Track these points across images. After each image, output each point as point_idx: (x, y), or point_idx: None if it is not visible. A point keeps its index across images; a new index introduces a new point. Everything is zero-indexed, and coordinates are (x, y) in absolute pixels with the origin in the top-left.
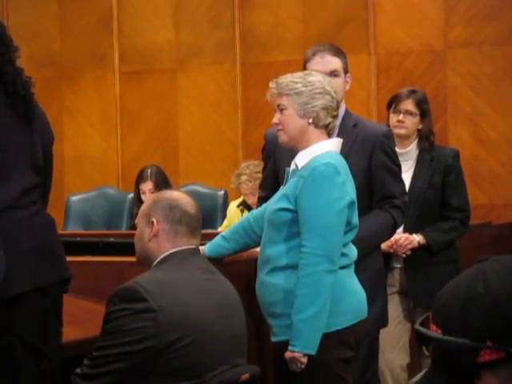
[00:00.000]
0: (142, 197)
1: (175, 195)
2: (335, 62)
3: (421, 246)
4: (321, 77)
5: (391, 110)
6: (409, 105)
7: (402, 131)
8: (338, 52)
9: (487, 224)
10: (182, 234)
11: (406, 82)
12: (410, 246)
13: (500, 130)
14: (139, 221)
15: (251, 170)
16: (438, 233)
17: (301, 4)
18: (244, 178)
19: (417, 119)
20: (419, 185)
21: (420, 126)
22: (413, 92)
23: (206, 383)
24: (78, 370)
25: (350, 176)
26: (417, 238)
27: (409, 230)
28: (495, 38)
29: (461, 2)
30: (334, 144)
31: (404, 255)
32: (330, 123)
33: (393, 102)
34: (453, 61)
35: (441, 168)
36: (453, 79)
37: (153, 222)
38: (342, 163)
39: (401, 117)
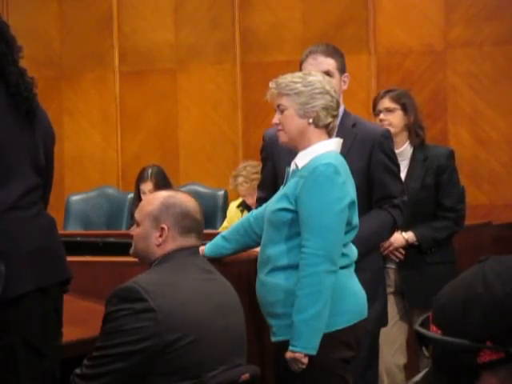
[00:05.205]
0: (142, 197)
1: (185, 201)
2: (328, 63)
3: (410, 245)
4: (321, 77)
5: (374, 114)
6: (385, 103)
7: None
8: (333, 52)
9: (487, 224)
10: (189, 241)
11: (406, 81)
12: (396, 245)
13: (500, 130)
14: (143, 220)
15: (248, 171)
16: (427, 229)
17: (301, 4)
18: (241, 179)
19: (398, 114)
20: (412, 185)
21: (406, 121)
22: (388, 91)
23: (205, 383)
24: (78, 371)
25: (351, 176)
26: (405, 236)
27: (401, 230)
28: (495, 38)
29: (461, 2)
30: (334, 144)
31: (396, 259)
32: (330, 123)
33: (374, 107)
34: (453, 61)
35: (433, 168)
36: (453, 79)
37: (163, 228)
38: (342, 163)
39: (381, 115)
